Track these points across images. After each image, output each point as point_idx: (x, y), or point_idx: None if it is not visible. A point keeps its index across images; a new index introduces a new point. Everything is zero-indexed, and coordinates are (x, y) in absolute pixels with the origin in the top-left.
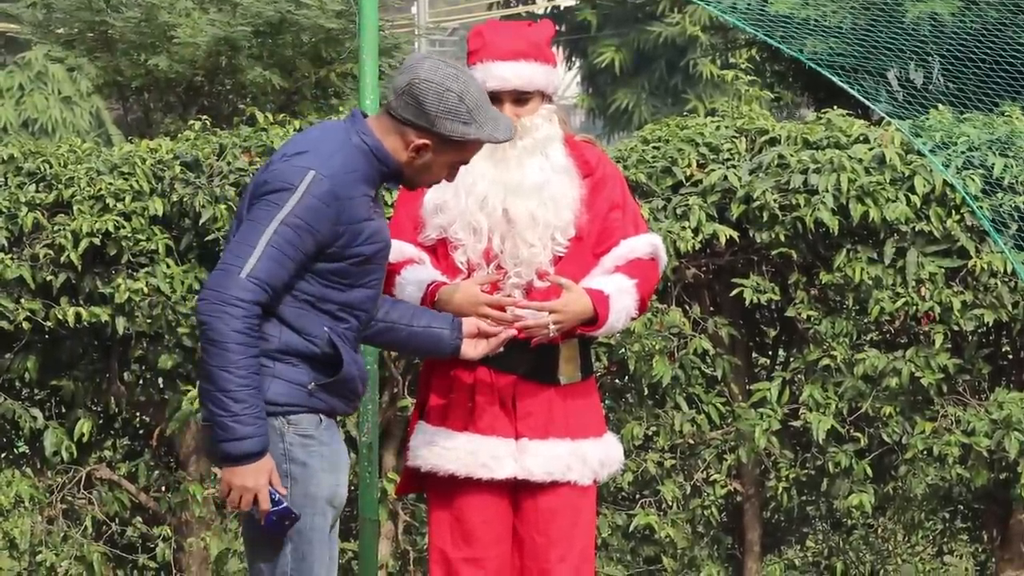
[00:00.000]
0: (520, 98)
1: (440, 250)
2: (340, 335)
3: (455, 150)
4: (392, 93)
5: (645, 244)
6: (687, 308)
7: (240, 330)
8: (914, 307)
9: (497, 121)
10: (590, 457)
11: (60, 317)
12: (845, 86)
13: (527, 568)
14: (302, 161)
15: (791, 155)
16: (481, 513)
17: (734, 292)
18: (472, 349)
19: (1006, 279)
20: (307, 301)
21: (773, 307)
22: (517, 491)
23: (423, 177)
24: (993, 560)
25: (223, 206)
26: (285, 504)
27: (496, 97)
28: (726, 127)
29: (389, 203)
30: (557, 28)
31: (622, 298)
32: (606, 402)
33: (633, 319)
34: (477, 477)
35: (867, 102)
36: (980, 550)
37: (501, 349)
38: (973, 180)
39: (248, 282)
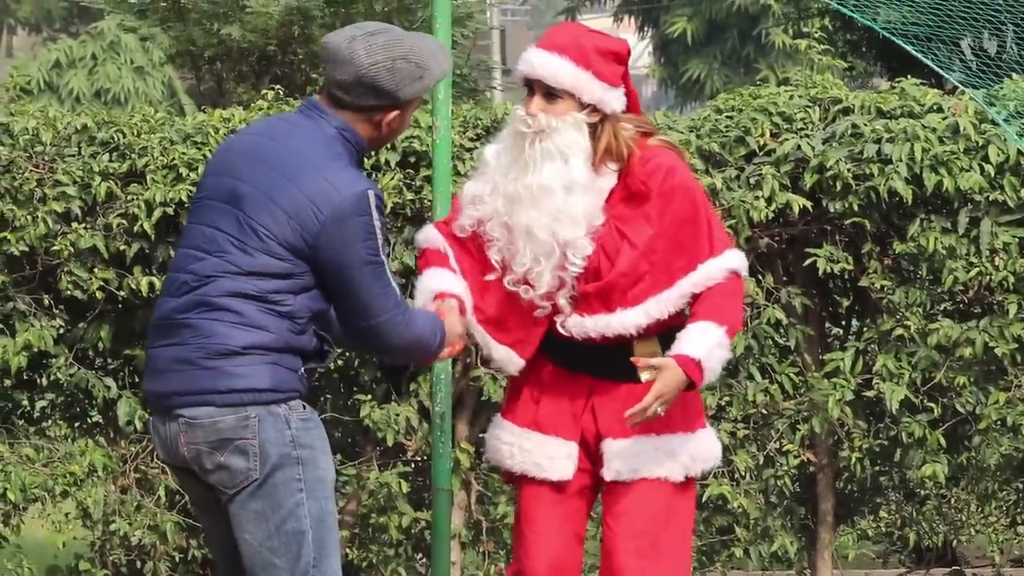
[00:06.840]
0: (550, 93)
1: (476, 241)
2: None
3: (418, 101)
4: (336, 87)
5: (719, 270)
6: (760, 278)
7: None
8: (988, 277)
9: (435, 55)
10: (679, 452)
11: (133, 287)
12: (919, 55)
13: (603, 554)
14: (354, 181)
15: (865, 124)
16: (549, 509)
17: (807, 262)
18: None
19: None
20: (310, 318)
21: (846, 277)
22: (602, 488)
23: (391, 140)
24: None
25: None
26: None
27: (529, 86)
28: (799, 96)
29: None
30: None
31: (714, 354)
32: None
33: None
34: (531, 476)
35: (941, 71)
36: None
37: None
38: None
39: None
